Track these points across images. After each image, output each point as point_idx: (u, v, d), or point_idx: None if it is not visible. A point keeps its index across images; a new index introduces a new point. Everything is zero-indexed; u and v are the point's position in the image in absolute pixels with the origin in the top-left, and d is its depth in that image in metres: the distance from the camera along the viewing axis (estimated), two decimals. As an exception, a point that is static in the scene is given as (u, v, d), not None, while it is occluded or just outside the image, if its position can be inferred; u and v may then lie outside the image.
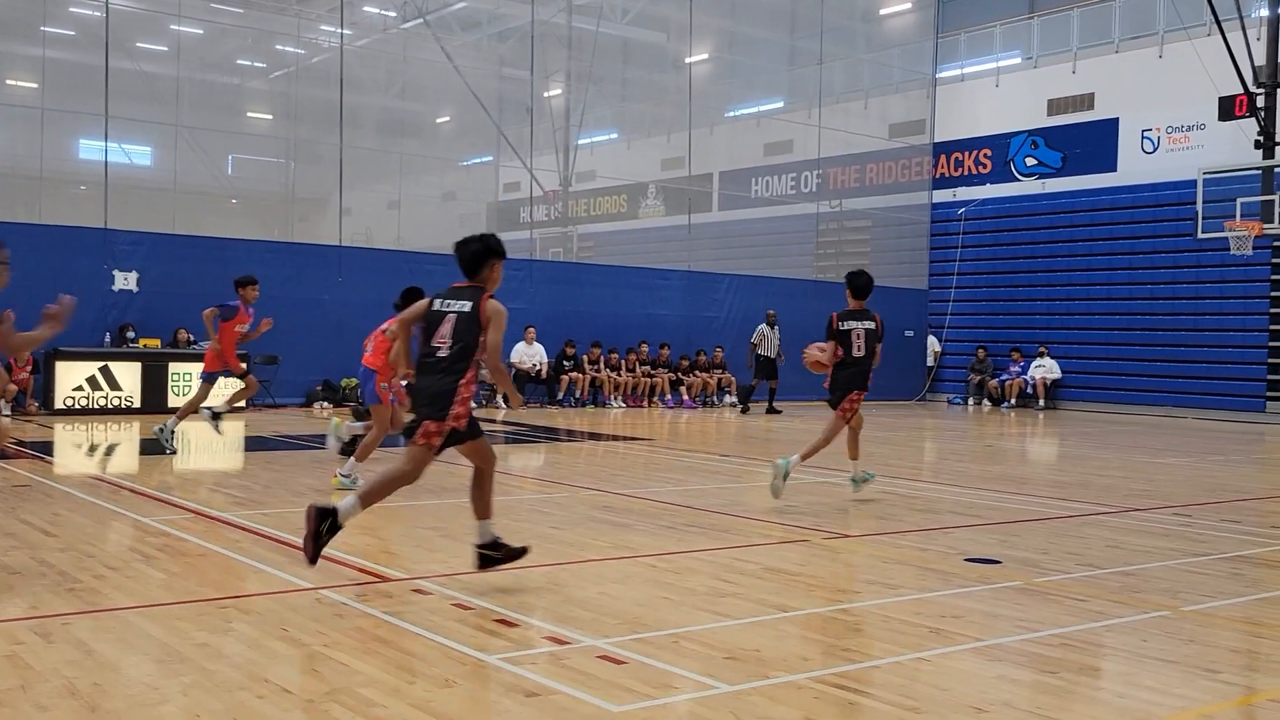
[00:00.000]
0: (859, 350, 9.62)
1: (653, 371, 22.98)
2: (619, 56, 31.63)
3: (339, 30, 22.99)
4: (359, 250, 21.67)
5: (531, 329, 21.59)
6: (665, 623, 5.49)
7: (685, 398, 23.13)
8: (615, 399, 22.26)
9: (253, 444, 14.19)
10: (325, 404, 19.58)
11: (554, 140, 29.08)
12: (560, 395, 21.80)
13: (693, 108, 25.93)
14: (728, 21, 30.45)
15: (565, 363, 21.97)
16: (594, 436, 16.74)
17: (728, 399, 23.74)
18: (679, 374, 23.36)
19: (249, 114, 29.84)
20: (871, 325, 9.71)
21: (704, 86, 29.18)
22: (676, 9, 27.35)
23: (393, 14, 28.29)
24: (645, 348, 23.09)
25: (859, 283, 9.87)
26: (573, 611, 5.67)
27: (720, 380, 23.90)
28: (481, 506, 6.31)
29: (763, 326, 22.62)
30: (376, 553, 7.05)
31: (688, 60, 27.09)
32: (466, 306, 6.37)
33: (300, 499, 9.14)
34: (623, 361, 22.62)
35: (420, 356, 6.34)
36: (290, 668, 4.65)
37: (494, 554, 6.23)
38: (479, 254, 6.68)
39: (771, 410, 22.05)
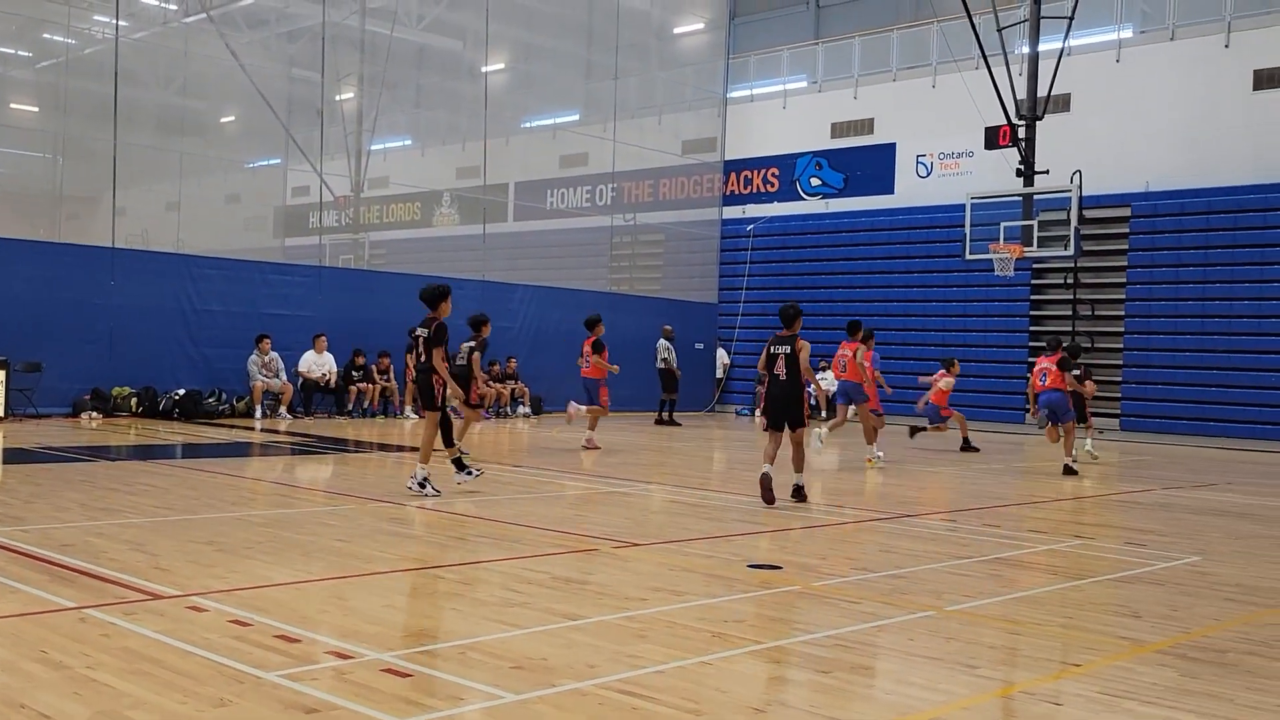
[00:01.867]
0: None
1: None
2: (414, 62, 31.18)
3: (114, 21, 21.82)
4: (134, 253, 20.59)
5: (321, 338, 21.00)
6: (453, 634, 5.44)
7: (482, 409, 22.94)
8: (408, 409, 21.87)
9: (12, 456, 13.28)
10: (94, 414, 18.51)
11: (346, 145, 28.41)
12: (350, 406, 21.27)
13: (489, 117, 25.83)
14: (524, 32, 30.49)
15: (355, 372, 21.45)
16: (384, 448, 16.42)
17: (521, 410, 23.71)
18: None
19: (12, 105, 27.96)
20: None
21: (500, 96, 29.11)
22: (473, 17, 27.20)
23: (173, 7, 27.08)
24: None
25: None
26: (358, 625, 5.55)
27: (514, 391, 23.84)
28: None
29: (662, 341, 23.03)
30: (147, 569, 6.71)
31: (484, 69, 26.98)
32: (787, 349, 10.66)
33: (64, 513, 8.63)
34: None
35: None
36: (51, 692, 4.38)
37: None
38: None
39: (670, 422, 22.31)
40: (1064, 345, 15.73)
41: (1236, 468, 17.14)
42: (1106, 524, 10.49)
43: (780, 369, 10.74)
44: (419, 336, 10.69)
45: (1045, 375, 15.03)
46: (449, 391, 10.60)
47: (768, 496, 10.45)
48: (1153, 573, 7.82)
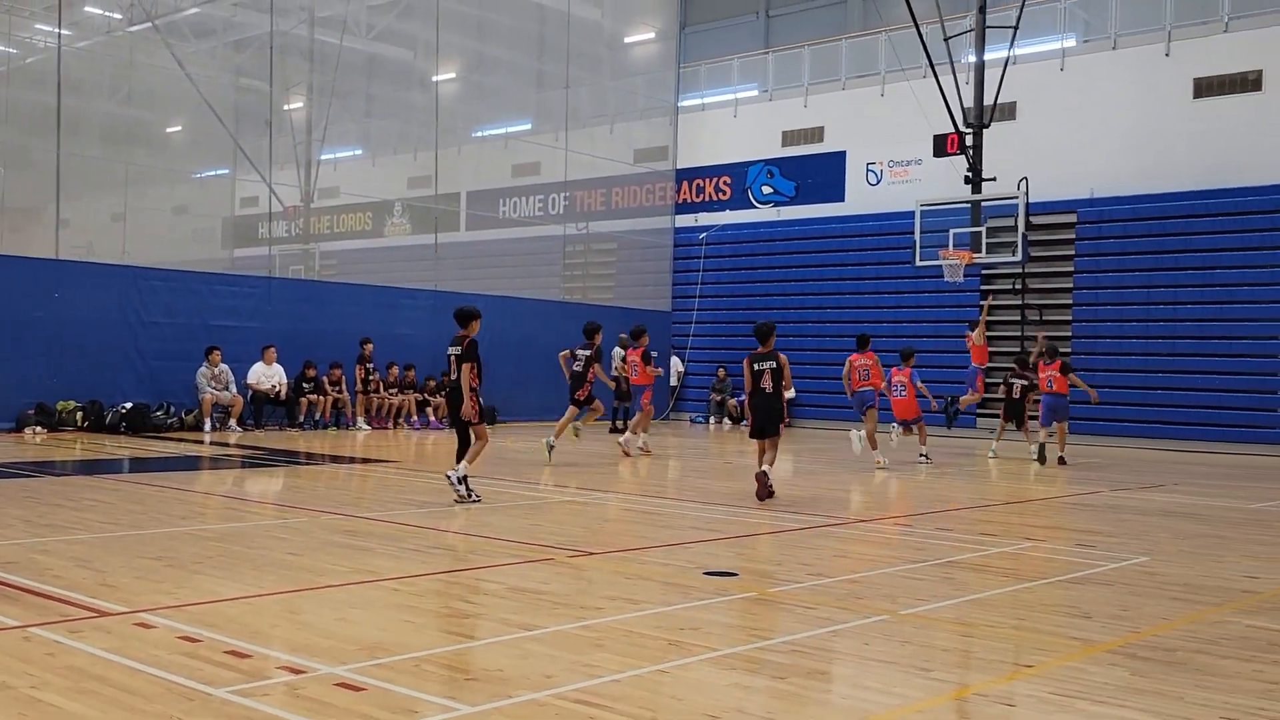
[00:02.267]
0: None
1: (400, 394, 22.51)
2: (364, 72, 30.99)
3: (56, 30, 21.52)
4: (79, 264, 20.26)
5: (271, 349, 20.78)
6: (407, 646, 5.40)
7: (432, 419, 22.81)
8: (360, 420, 21.70)
9: (-47, 473, 13.01)
10: (38, 428, 18.17)
11: (295, 155, 28.17)
12: (301, 418, 21.06)
13: (440, 127, 25.74)
14: (475, 42, 30.41)
15: (305, 384, 21.24)
16: (336, 459, 16.28)
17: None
18: (426, 395, 23.02)
19: (-50, 115, 27.47)
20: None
21: (451, 106, 29.02)
22: (423, 27, 27.11)
23: (118, 16, 26.73)
24: (396, 370, 22.59)
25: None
26: (310, 639, 5.49)
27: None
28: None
29: (617, 349, 23.08)
30: (93, 585, 6.60)
31: (435, 79, 26.88)
32: (772, 364, 11.81)
33: (7, 530, 8.47)
34: (371, 378, 22.00)
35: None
36: (-8, 714, 4.29)
37: None
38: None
39: (625, 430, 22.28)
40: (1046, 350, 17.94)
41: (1182, 469, 17.42)
42: (1056, 526, 10.62)
43: (766, 383, 11.91)
44: (451, 355, 11.19)
45: (1052, 381, 17.23)
46: (466, 406, 10.96)
47: (761, 492, 11.58)
48: (1102, 573, 7.92)
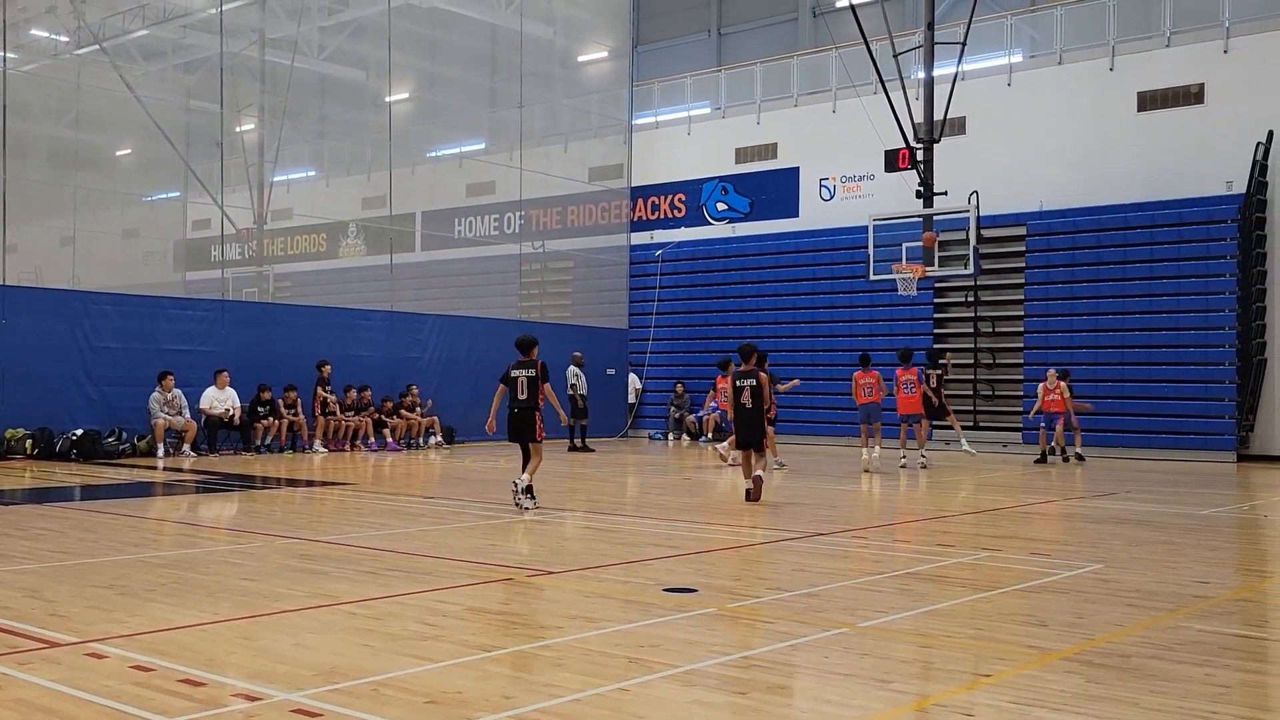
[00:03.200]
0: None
1: (355, 416, 22.33)
2: (316, 93, 30.87)
3: (1, 53, 21.23)
4: (26, 290, 19.97)
5: (224, 373, 20.55)
6: (364, 671, 5.35)
7: (390, 440, 22.65)
8: (317, 443, 21.50)
9: (-102, 504, 12.75)
10: (-13, 457, 17.87)
11: (247, 176, 27.98)
12: (257, 442, 20.84)
13: (393, 147, 25.64)
14: (427, 62, 30.38)
15: (260, 408, 21.03)
16: (292, 483, 16.12)
17: (433, 440, 23.46)
18: (382, 416, 22.85)
19: (-107, 139, 27.00)
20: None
21: (405, 126, 28.95)
22: (374, 47, 27.04)
23: (64, 39, 26.44)
24: (353, 393, 22.40)
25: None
26: (266, 665, 5.42)
27: (425, 423, 23.58)
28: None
29: (572, 368, 23.03)
30: (43, 615, 6.48)
31: (388, 99, 26.80)
32: (753, 381, 12.96)
33: (-45, 563, 8.30)
34: (330, 400, 21.82)
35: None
36: (-61, 749, 4.20)
37: None
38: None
39: (583, 448, 22.30)
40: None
41: (1133, 476, 17.65)
42: (1011, 535, 10.71)
43: (746, 399, 13.04)
44: (516, 377, 12.07)
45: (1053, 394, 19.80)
46: (560, 413, 13.14)
47: (752, 494, 12.77)
48: (1057, 582, 8.00)
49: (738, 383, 13.22)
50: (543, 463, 12.29)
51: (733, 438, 18.64)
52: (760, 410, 13.12)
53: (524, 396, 11.98)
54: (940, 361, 20.20)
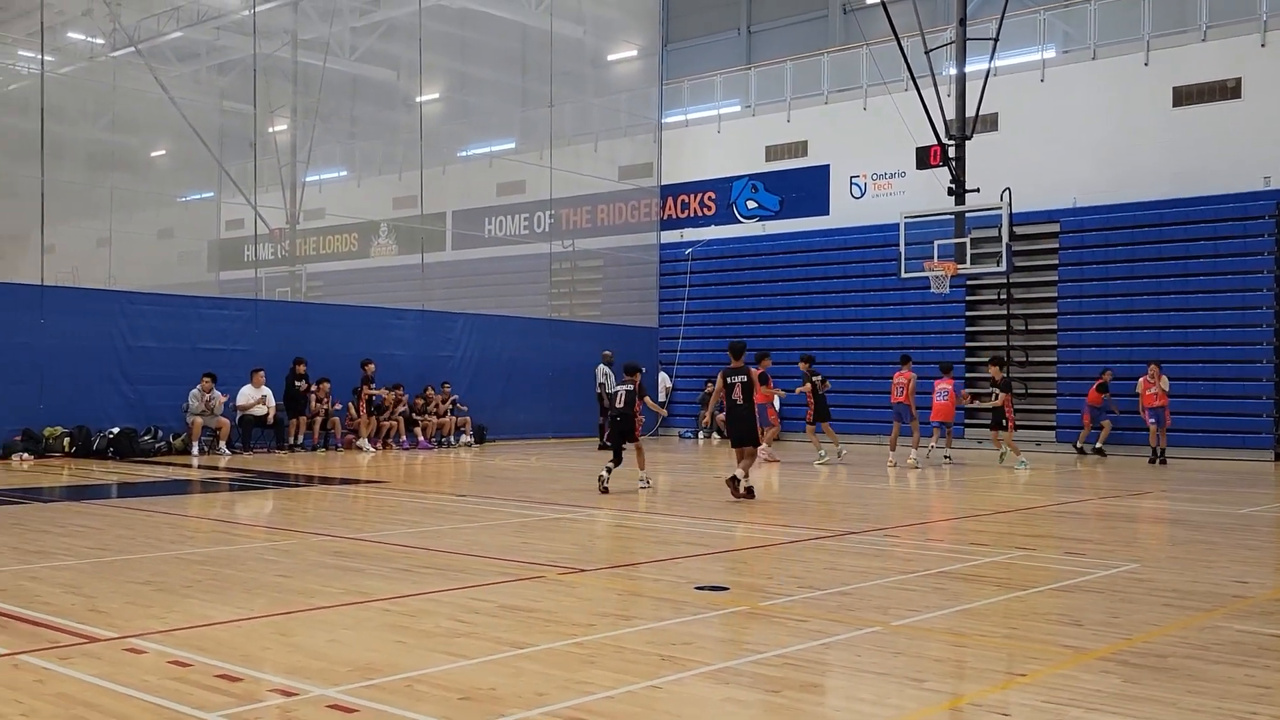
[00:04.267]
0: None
1: (391, 417, 22.41)
2: (348, 93, 31.08)
3: (39, 57, 21.50)
4: (64, 290, 20.21)
5: (260, 372, 20.71)
6: (399, 667, 5.38)
7: (421, 438, 22.76)
8: (364, 441, 21.57)
9: (-60, 502, 12.93)
10: (25, 455, 18.08)
11: (280, 177, 28.19)
12: (290, 440, 20.99)
13: (424, 147, 25.76)
14: (458, 62, 30.50)
15: (297, 382, 21.10)
16: (325, 481, 16.23)
17: (464, 439, 23.56)
18: (414, 414, 22.97)
19: (-66, 143, 27.40)
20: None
21: (435, 126, 29.07)
22: (406, 47, 27.17)
23: (100, 41, 26.73)
24: (390, 396, 22.47)
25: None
26: (301, 661, 5.47)
27: (456, 421, 23.68)
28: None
29: (602, 366, 23.07)
30: (82, 611, 6.56)
31: (418, 99, 26.92)
32: (744, 378, 12.95)
33: (-5, 559, 8.42)
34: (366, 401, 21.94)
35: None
36: (-18, 742, 4.27)
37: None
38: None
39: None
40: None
41: (1168, 475, 17.48)
42: (1045, 534, 10.64)
43: (737, 395, 12.91)
44: (618, 392, 14.08)
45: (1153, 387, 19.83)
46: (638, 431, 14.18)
47: (734, 491, 12.74)
48: (1092, 581, 7.94)
49: (728, 379, 13.11)
50: (583, 460, 12.93)
51: (774, 429, 19.45)
52: (752, 407, 13.07)
53: (620, 405, 13.97)
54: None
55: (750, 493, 12.87)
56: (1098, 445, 21.74)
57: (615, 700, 4.86)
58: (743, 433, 13.05)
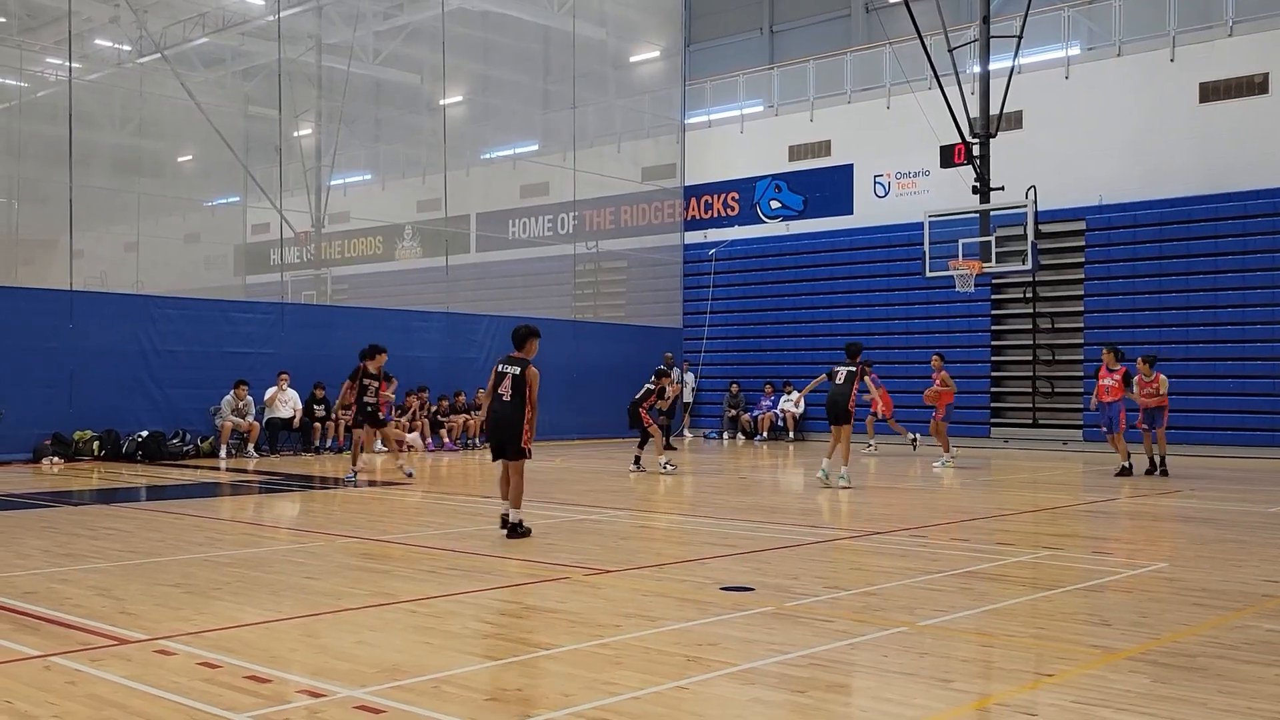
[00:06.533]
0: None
1: (412, 422, 22.47)
2: (372, 97, 31.24)
3: (67, 63, 21.71)
4: (93, 295, 20.39)
5: (285, 375, 20.84)
6: (425, 668, 5.41)
7: (446, 440, 22.83)
8: (377, 444, 21.66)
9: (-28, 505, 13.07)
10: (56, 458, 18.26)
11: (305, 181, 28.36)
12: (315, 443, 21.09)
13: (448, 149, 25.84)
14: (481, 65, 30.59)
15: (316, 407, 21.25)
16: (351, 483, 16.27)
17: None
18: (439, 417, 23.03)
19: (-35, 151, 27.74)
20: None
21: (459, 128, 29.16)
22: (429, 51, 27.27)
23: (127, 47, 26.98)
24: (415, 400, 22.52)
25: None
26: (329, 663, 5.50)
27: (481, 423, 23.71)
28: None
29: (661, 368, 23.29)
30: (113, 613, 6.63)
31: (442, 102, 27.02)
32: (517, 370, 9.88)
33: (27, 560, 8.51)
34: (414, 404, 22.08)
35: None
36: (15, 743, 4.32)
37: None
38: (524, 335, 10.06)
39: (666, 447, 22.30)
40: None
41: (1197, 474, 17.33)
42: (1073, 534, 10.57)
43: (505, 389, 9.90)
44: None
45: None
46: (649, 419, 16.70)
47: (511, 534, 9.96)
48: (1121, 580, 7.89)
49: (500, 368, 10.07)
50: (607, 461, 12.89)
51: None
52: (520, 410, 9.82)
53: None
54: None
55: (512, 531, 10.01)
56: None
57: (642, 701, 4.87)
58: (501, 438, 10.05)
